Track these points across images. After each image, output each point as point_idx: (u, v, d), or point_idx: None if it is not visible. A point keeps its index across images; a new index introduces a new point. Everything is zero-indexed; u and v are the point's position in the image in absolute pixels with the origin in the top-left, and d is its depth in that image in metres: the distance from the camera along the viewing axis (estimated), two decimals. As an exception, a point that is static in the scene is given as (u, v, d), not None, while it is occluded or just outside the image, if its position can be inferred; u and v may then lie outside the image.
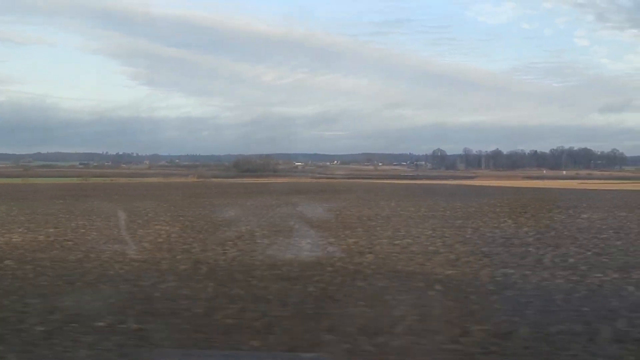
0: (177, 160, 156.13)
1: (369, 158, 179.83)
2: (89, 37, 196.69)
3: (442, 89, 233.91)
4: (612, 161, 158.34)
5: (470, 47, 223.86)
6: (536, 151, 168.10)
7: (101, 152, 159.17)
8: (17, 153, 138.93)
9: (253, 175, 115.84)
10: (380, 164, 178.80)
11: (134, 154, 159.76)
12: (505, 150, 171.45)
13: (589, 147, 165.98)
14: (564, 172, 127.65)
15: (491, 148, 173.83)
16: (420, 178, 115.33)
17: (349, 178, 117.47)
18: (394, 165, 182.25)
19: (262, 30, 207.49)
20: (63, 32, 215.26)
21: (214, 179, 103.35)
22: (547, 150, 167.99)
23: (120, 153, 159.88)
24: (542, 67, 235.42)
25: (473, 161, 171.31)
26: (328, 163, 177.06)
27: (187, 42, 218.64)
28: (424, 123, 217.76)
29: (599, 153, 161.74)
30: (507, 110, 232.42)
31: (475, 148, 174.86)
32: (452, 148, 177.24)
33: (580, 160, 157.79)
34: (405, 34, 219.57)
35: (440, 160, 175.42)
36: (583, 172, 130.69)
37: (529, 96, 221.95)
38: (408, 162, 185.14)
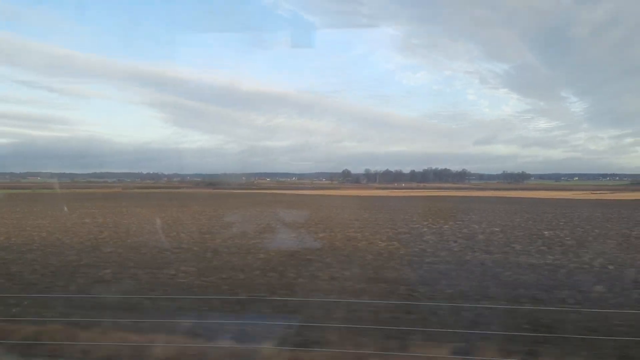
0: (188, 178, 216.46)
1: (318, 175, 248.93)
2: (134, 92, 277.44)
3: (376, 128, 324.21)
4: (463, 177, 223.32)
5: (396, 100, 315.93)
6: (413, 170, 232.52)
7: (138, 172, 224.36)
8: (76, 172, 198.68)
9: (212, 188, 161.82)
10: (323, 179, 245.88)
11: (160, 173, 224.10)
12: (393, 169, 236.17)
13: (447, 168, 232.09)
14: (403, 185, 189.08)
15: (407, 169, 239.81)
16: (324, 188, 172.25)
17: (276, 189, 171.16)
18: (331, 180, 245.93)
19: (253, 88, 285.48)
20: (115, 89, 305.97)
21: (135, 189, 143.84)
22: (421, 170, 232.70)
23: (151, 172, 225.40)
24: (444, 114, 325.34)
25: (372, 177, 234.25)
26: (288, 179, 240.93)
27: (202, 97, 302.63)
28: (362, 151, 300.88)
29: (454, 172, 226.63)
30: (419, 143, 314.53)
31: (396, 169, 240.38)
32: (377, 168, 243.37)
33: (442, 177, 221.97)
34: (352, 91, 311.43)
35: (348, 176, 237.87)
36: (420, 184, 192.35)
37: (434, 134, 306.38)
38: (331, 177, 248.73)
